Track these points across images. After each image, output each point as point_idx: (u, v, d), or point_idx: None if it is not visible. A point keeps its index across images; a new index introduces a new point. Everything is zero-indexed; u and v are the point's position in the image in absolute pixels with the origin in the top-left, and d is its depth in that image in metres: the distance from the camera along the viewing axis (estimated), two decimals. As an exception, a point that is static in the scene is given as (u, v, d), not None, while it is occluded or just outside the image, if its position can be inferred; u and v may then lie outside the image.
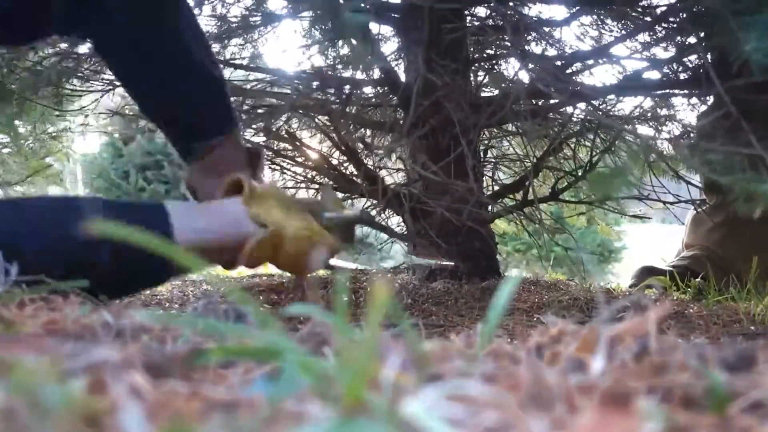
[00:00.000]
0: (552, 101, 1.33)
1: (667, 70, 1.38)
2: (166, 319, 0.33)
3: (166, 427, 0.18)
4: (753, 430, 0.19)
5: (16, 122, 2.01)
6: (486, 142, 1.74)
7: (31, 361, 0.20)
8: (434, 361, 0.26)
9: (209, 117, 0.86)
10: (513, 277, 0.30)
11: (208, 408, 0.19)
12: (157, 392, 0.20)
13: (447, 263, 1.34)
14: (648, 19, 1.36)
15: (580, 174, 1.45)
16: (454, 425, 0.18)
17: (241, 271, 2.18)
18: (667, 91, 1.45)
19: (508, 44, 1.47)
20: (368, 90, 1.67)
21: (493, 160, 1.79)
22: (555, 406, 0.20)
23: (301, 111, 1.50)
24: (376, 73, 1.47)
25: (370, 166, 1.44)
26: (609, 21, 1.53)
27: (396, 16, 1.48)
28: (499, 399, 0.20)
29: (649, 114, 1.56)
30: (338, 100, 1.46)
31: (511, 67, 1.74)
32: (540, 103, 1.40)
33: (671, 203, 1.59)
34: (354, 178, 1.42)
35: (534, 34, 1.51)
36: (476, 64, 1.60)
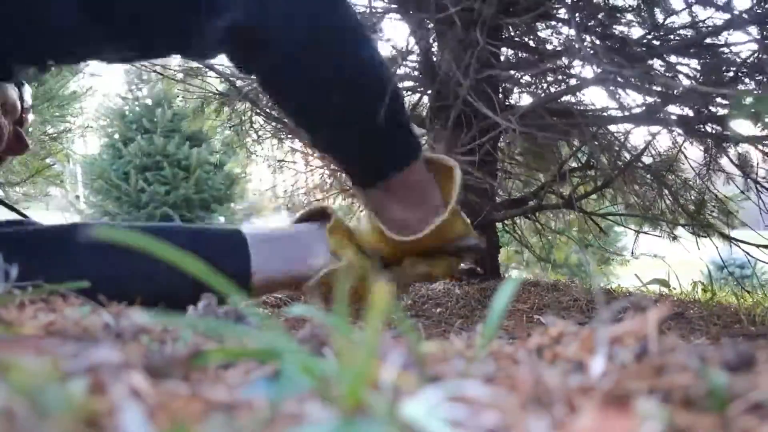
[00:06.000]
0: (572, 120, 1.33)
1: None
2: (166, 320, 0.33)
3: (166, 428, 0.18)
4: (753, 430, 0.19)
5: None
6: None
7: (32, 362, 0.20)
8: (434, 362, 0.26)
9: (392, 151, 0.77)
10: (513, 278, 0.30)
11: (208, 409, 0.19)
12: (157, 393, 0.20)
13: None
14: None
15: (600, 184, 1.46)
16: (455, 426, 0.18)
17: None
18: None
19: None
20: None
21: (509, 161, 1.79)
22: (555, 407, 0.20)
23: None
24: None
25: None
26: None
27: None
28: (499, 400, 0.20)
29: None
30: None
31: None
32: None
33: (682, 225, 1.60)
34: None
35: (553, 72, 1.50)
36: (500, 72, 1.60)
